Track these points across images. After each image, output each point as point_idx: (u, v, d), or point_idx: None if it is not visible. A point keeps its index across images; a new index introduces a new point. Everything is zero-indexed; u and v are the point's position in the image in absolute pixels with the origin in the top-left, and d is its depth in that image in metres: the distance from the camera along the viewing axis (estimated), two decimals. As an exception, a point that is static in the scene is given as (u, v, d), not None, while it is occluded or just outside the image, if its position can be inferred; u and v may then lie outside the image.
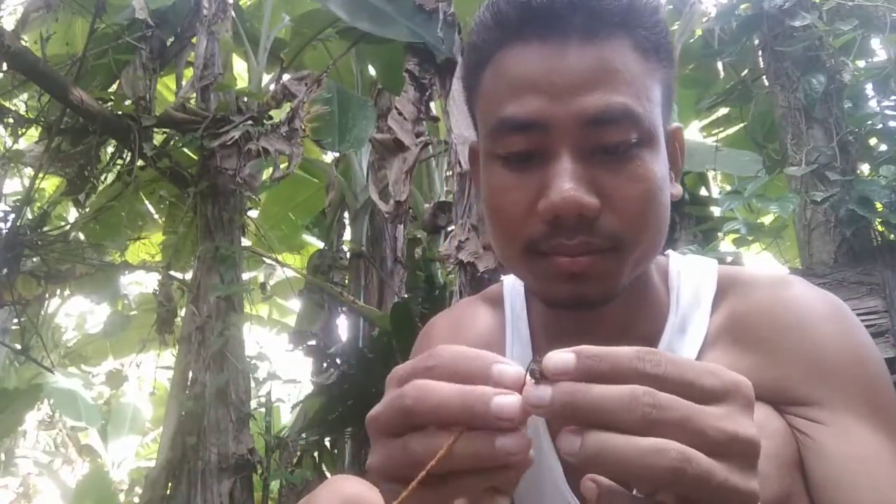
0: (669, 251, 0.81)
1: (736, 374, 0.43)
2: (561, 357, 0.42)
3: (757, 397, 0.64)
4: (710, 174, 3.56)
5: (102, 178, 3.91)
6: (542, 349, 0.79)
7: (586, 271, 0.64)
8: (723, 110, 3.73)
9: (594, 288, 0.65)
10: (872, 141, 2.74)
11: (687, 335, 0.72)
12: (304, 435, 3.50)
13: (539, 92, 0.63)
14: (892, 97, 2.64)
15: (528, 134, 0.64)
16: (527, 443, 0.41)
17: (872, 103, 2.72)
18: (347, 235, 4.65)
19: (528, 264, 0.67)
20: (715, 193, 3.56)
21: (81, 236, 4.27)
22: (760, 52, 2.97)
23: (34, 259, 3.83)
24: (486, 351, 0.44)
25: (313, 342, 3.57)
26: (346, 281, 4.37)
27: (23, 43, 3.42)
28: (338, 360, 3.37)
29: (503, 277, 0.87)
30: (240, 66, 4.51)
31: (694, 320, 0.73)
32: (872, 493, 0.59)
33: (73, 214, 4.56)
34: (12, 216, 3.74)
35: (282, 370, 3.69)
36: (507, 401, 0.41)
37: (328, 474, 3.54)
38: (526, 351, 0.80)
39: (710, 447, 0.39)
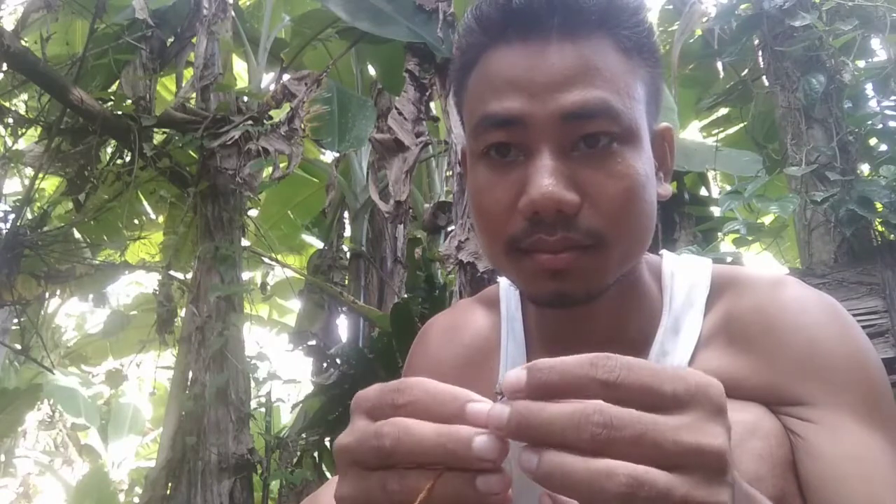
0: (664, 251, 0.80)
1: (706, 376, 0.41)
2: (514, 375, 0.41)
3: (751, 397, 0.65)
4: (710, 174, 3.56)
5: (102, 177, 3.90)
6: (536, 349, 0.79)
7: (568, 268, 0.64)
8: (723, 110, 3.73)
9: (577, 285, 0.65)
10: (872, 141, 2.74)
11: (680, 335, 0.72)
12: (304, 435, 3.50)
13: (519, 90, 0.64)
14: (892, 97, 2.64)
15: (508, 130, 0.65)
16: (507, 481, 0.41)
17: (872, 103, 2.72)
18: (347, 235, 4.66)
19: (511, 262, 0.68)
20: (715, 193, 3.56)
21: (77, 234, 4.27)
22: (760, 52, 2.96)
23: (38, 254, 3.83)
24: (459, 389, 0.43)
25: (313, 342, 3.57)
26: (346, 281, 4.37)
27: (23, 43, 3.42)
28: (338, 360, 3.37)
29: (500, 278, 0.87)
30: (240, 66, 4.51)
31: (687, 320, 0.72)
32: (866, 495, 0.59)
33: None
34: (12, 216, 3.74)
35: (282, 370, 3.69)
36: (486, 441, 0.40)
37: (328, 474, 3.54)
38: (520, 351, 0.80)
39: (670, 461, 0.38)
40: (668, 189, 0.73)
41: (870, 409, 0.63)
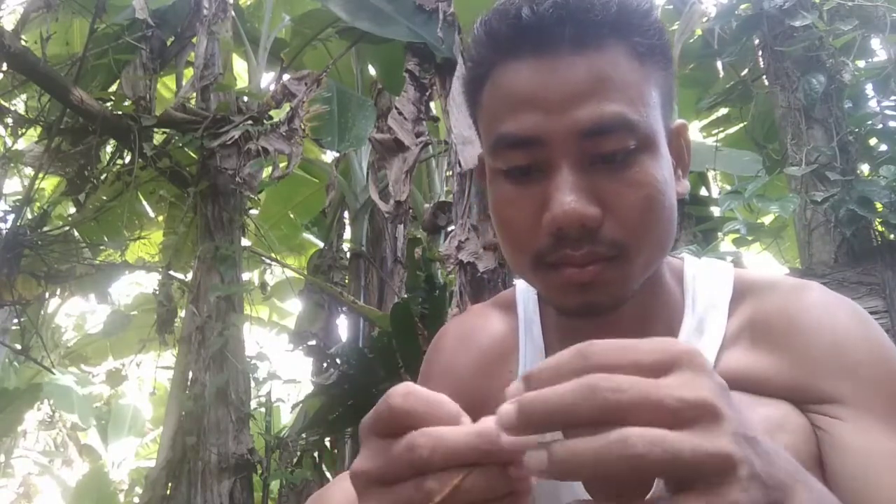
0: (684, 255, 0.81)
1: (684, 343, 0.42)
2: (513, 388, 0.43)
3: (777, 396, 0.66)
4: (710, 174, 3.56)
5: (102, 177, 3.90)
6: (555, 351, 0.79)
7: (594, 280, 0.65)
8: (723, 110, 3.73)
9: (603, 296, 0.66)
10: (872, 141, 2.74)
11: (704, 336, 0.73)
12: (304, 435, 3.50)
13: (534, 107, 0.64)
14: (892, 97, 2.64)
15: (526, 149, 0.65)
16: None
17: (872, 103, 2.72)
18: (347, 235, 4.65)
19: (538, 276, 0.68)
20: (715, 193, 3.56)
21: (76, 234, 4.27)
22: (760, 52, 2.97)
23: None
24: (443, 397, 0.45)
25: (313, 342, 3.57)
26: (346, 281, 4.37)
27: (23, 43, 3.42)
28: (338, 360, 3.37)
29: (516, 281, 0.87)
30: (240, 66, 4.51)
31: (711, 322, 0.73)
32: (893, 490, 0.59)
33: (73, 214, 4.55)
34: (12, 216, 3.74)
35: (282, 370, 3.69)
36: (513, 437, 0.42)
37: (328, 474, 3.54)
38: (538, 353, 0.80)
39: (675, 418, 0.39)
40: (687, 185, 0.74)
41: (895, 406, 0.64)
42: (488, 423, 0.43)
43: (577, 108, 0.63)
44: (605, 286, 0.65)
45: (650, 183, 0.65)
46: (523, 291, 0.85)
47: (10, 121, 3.81)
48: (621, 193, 0.64)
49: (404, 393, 0.45)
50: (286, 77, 3.66)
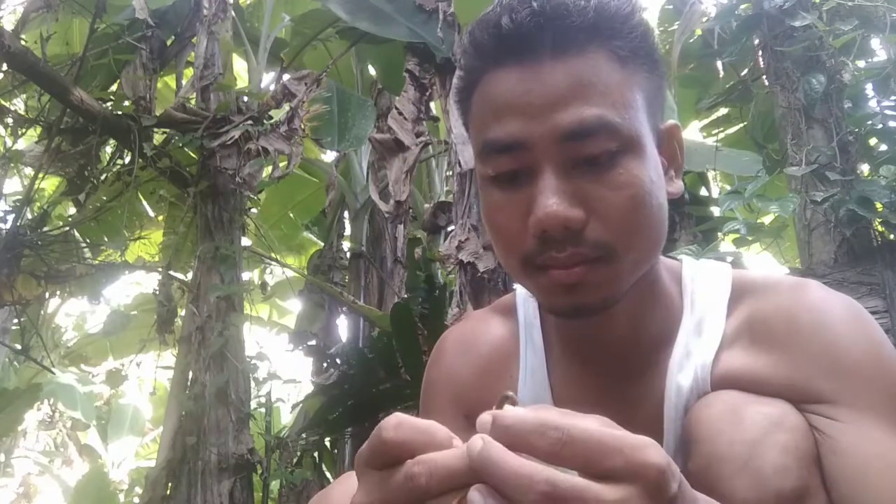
0: (683, 256, 0.82)
1: (650, 457, 0.41)
2: (484, 418, 0.44)
3: (776, 395, 0.66)
4: (710, 174, 3.56)
5: (102, 177, 3.90)
6: (555, 354, 0.80)
7: (581, 281, 0.66)
8: (723, 110, 3.73)
9: (592, 296, 0.67)
10: (872, 141, 2.74)
11: (703, 336, 0.74)
12: (304, 435, 3.50)
13: (517, 113, 0.66)
14: (892, 97, 2.64)
15: (511, 154, 0.67)
16: None
17: (872, 103, 2.72)
18: (347, 235, 4.65)
19: (527, 278, 0.70)
20: (715, 193, 3.56)
21: (76, 234, 4.27)
22: (760, 52, 2.97)
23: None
24: (433, 423, 0.46)
25: (313, 342, 3.57)
26: (346, 281, 4.37)
27: (23, 43, 3.42)
28: (338, 360, 3.37)
29: (516, 286, 0.89)
30: (240, 66, 4.50)
31: (709, 322, 0.74)
32: (891, 490, 0.59)
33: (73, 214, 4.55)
34: (12, 216, 3.74)
35: (282, 370, 3.69)
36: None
37: (328, 474, 3.54)
38: (539, 357, 0.81)
39: None
40: (680, 186, 0.75)
41: (893, 408, 0.65)
42: (477, 441, 0.43)
43: (559, 112, 0.64)
44: (592, 287, 0.66)
45: (634, 184, 0.65)
46: (523, 296, 0.86)
47: (10, 121, 3.80)
48: (605, 195, 0.65)
49: (395, 425, 0.45)
50: (286, 77, 3.66)
